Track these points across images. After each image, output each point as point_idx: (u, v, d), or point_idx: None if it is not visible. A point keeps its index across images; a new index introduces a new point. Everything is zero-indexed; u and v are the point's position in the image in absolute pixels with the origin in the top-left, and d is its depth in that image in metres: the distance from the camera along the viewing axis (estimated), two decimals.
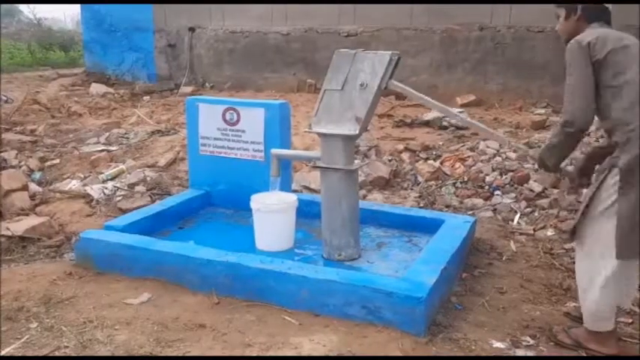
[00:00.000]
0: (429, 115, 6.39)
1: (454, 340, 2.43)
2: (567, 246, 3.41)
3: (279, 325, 2.52)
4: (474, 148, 5.29)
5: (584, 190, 2.76)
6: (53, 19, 23.76)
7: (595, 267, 2.31)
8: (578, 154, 3.27)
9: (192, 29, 9.69)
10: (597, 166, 2.47)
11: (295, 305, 2.61)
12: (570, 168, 2.57)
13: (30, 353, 2.30)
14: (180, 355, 2.28)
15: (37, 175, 4.81)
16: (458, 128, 6.06)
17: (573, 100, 2.24)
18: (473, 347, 2.39)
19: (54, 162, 5.11)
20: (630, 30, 2.57)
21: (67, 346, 2.34)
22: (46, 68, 13.82)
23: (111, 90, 9.16)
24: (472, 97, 7.84)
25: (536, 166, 2.47)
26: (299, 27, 8.86)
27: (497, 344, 2.42)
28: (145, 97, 8.82)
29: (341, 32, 8.62)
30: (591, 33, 2.27)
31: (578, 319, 2.56)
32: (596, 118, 2.31)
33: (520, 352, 2.37)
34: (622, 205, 2.20)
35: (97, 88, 9.19)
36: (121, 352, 2.28)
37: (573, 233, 2.38)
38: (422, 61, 8.20)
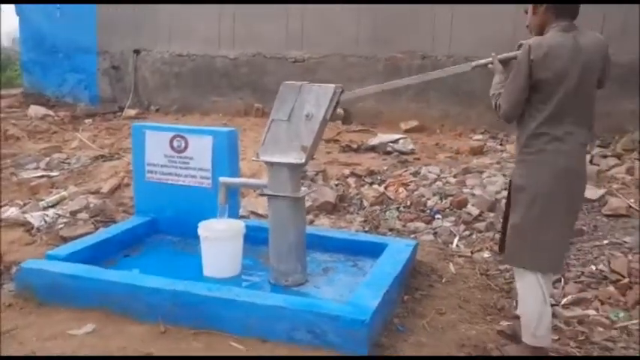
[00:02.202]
0: (375, 141, 6.61)
1: None
2: (502, 267, 3.61)
3: (227, 352, 2.55)
4: (417, 173, 5.51)
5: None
6: None
7: (525, 283, 2.50)
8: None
9: (137, 51, 9.62)
10: None
11: (243, 332, 2.65)
12: None
13: None
14: None
15: None
16: (402, 153, 6.29)
17: (505, 98, 2.45)
18: None
19: None
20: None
21: None
22: None
23: (51, 112, 8.93)
24: (415, 123, 8.13)
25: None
26: (247, 52, 8.97)
27: None
28: (86, 120, 8.65)
29: (288, 58, 8.78)
30: (546, 41, 2.36)
31: (511, 337, 2.74)
32: None
33: None
34: (514, 217, 2.48)
35: (35, 110, 8.93)
36: None
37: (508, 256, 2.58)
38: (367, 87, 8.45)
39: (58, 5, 9.92)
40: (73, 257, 3.19)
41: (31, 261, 3.15)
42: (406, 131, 7.70)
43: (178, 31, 9.27)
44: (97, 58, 9.88)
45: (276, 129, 3.01)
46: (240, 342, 2.62)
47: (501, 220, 2.84)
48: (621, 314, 3.09)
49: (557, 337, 2.86)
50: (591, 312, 3.14)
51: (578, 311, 3.14)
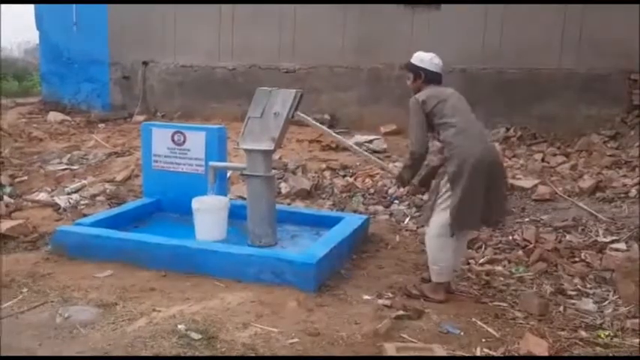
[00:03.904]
0: (351, 141, 7.47)
1: (336, 295, 3.41)
2: None
3: (211, 287, 3.43)
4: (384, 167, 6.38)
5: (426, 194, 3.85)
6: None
7: (439, 241, 3.37)
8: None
9: (145, 63, 10.58)
10: (433, 180, 3.59)
11: (223, 274, 3.53)
12: (415, 180, 3.69)
13: (25, 307, 3.13)
14: (138, 304, 3.16)
15: (8, 189, 5.55)
16: (375, 152, 7.16)
17: (414, 138, 3.37)
18: (348, 299, 3.37)
19: (22, 178, 5.87)
20: None
21: (52, 301, 3.18)
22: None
23: (68, 118, 9.89)
24: (393, 127, 8.98)
25: (394, 181, 3.57)
26: (243, 63, 9.91)
27: (366, 297, 3.41)
28: (100, 125, 9.60)
29: (281, 69, 9.72)
30: (424, 93, 3.37)
31: (428, 280, 3.60)
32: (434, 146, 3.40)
33: (381, 302, 3.35)
34: (452, 199, 3.27)
35: (54, 115, 9.90)
36: (94, 304, 3.14)
37: (427, 221, 3.46)
38: (351, 95, 9.37)
39: (75, 21, 10.92)
40: (95, 224, 4.10)
41: (64, 226, 4.06)
42: (385, 134, 8.56)
43: (182, 44, 10.23)
44: (109, 69, 10.85)
45: (252, 124, 3.92)
46: (221, 282, 3.50)
47: (427, 202, 3.72)
48: (521, 269, 3.95)
49: (464, 283, 3.73)
50: (498, 268, 4.00)
51: (487, 267, 4.01)
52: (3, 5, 15.56)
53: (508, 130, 8.06)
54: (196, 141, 4.60)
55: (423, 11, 8.82)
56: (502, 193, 3.37)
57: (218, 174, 4.27)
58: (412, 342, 2.81)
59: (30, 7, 11.61)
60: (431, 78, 3.44)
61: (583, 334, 2.98)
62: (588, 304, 3.36)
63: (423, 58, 3.48)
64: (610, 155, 6.80)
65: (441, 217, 3.35)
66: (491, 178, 3.27)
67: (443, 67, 3.50)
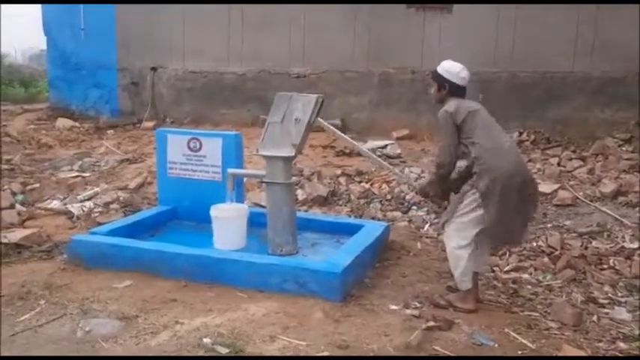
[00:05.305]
0: (365, 146, 7.39)
1: (362, 305, 3.31)
2: None
3: (233, 298, 3.34)
4: (400, 172, 6.29)
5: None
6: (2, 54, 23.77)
7: (460, 250, 3.27)
8: None
9: (154, 69, 10.52)
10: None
11: (246, 284, 3.44)
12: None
13: (43, 320, 3.04)
14: (160, 316, 3.07)
15: (20, 197, 5.48)
16: (389, 157, 7.08)
17: (444, 153, 3.25)
18: (375, 309, 3.28)
19: (34, 186, 5.79)
20: None
21: (72, 313, 3.09)
22: (7, 104, 14.26)
23: (76, 124, 9.83)
24: (406, 131, 8.91)
25: (414, 193, 3.47)
26: (253, 68, 9.84)
27: (393, 306, 3.31)
28: (109, 131, 9.53)
29: (291, 74, 9.64)
30: (453, 105, 3.26)
31: (455, 289, 3.50)
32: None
33: (408, 312, 3.26)
34: (487, 215, 3.17)
35: (63, 122, 9.84)
36: (115, 316, 3.05)
37: (443, 227, 3.37)
38: (363, 99, 9.28)
39: (82, 26, 10.88)
40: (111, 233, 4.01)
41: (79, 235, 3.98)
42: (397, 139, 8.47)
43: (191, 50, 10.18)
44: (118, 74, 10.80)
45: (272, 130, 3.83)
46: (243, 292, 3.41)
47: (445, 208, 3.63)
48: (548, 276, 3.85)
49: (491, 292, 3.63)
50: (525, 276, 3.91)
51: (513, 275, 3.91)
52: (3, 6, 15.53)
53: (521, 134, 7.96)
54: (213, 148, 4.52)
55: (435, 15, 8.73)
56: (530, 214, 3.32)
57: (235, 181, 4.19)
58: (447, 355, 2.71)
59: (34, 13, 11.59)
60: (455, 91, 3.34)
61: (622, 345, 2.88)
62: (622, 314, 3.26)
63: (450, 70, 3.35)
64: (627, 159, 6.69)
65: (464, 227, 3.25)
66: (523, 195, 3.18)
67: (469, 81, 3.38)
